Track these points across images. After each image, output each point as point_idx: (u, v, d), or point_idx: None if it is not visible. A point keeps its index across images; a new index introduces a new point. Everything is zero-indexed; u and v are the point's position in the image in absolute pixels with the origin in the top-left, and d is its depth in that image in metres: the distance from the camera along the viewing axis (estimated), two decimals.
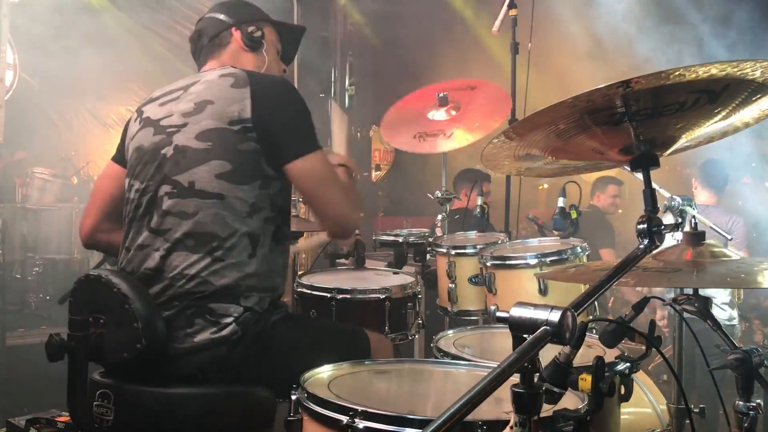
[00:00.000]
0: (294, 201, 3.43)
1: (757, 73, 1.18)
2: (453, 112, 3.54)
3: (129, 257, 2.07)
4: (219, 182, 2.00)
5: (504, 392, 1.05)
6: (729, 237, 2.69)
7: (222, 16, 2.31)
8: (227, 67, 2.18)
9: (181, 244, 1.99)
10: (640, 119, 1.27)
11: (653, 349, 1.51)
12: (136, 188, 2.12)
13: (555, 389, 1.22)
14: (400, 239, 3.56)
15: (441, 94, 3.57)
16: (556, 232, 2.97)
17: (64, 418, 2.72)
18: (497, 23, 4.00)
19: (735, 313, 4.41)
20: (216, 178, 2.00)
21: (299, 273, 3.20)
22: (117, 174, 2.29)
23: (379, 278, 3.02)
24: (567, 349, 1.25)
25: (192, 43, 2.36)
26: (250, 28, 2.31)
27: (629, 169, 1.41)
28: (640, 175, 1.38)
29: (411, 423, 1.30)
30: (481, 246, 2.96)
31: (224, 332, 1.95)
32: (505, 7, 3.95)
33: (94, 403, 1.97)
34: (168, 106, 2.14)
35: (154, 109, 2.18)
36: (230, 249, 1.98)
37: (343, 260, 3.52)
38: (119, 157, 2.30)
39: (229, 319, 1.96)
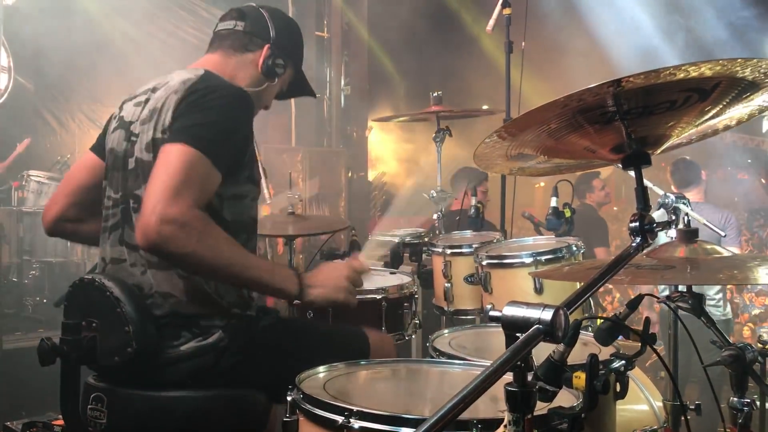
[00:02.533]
0: (290, 198, 3.43)
1: (747, 72, 1.18)
2: None
3: (106, 269, 2.05)
4: None
5: (500, 390, 1.05)
6: (723, 233, 2.70)
7: (270, 27, 2.22)
8: (195, 70, 2.09)
9: (149, 261, 1.96)
10: (632, 118, 1.27)
11: (648, 346, 1.51)
12: (109, 196, 2.08)
13: (549, 387, 1.22)
14: (397, 239, 3.56)
15: (435, 94, 3.59)
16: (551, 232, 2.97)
17: (61, 421, 2.72)
18: (491, 22, 4.01)
19: (729, 309, 4.43)
20: None
21: None
22: (92, 164, 2.22)
23: (376, 278, 3.02)
24: (561, 347, 1.25)
25: (227, 17, 2.24)
26: (279, 60, 2.22)
27: (621, 167, 1.42)
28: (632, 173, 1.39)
29: (406, 423, 1.31)
30: (477, 245, 2.97)
31: (210, 340, 1.94)
32: (499, 6, 3.95)
33: (88, 406, 1.97)
34: (138, 108, 2.08)
35: (129, 109, 2.12)
36: None
37: (339, 260, 3.52)
38: (97, 148, 2.24)
39: (215, 329, 1.95)
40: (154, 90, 2.08)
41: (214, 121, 1.90)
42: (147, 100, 2.06)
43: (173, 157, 1.80)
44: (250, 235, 2.08)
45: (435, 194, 3.63)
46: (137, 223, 1.81)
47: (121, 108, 2.17)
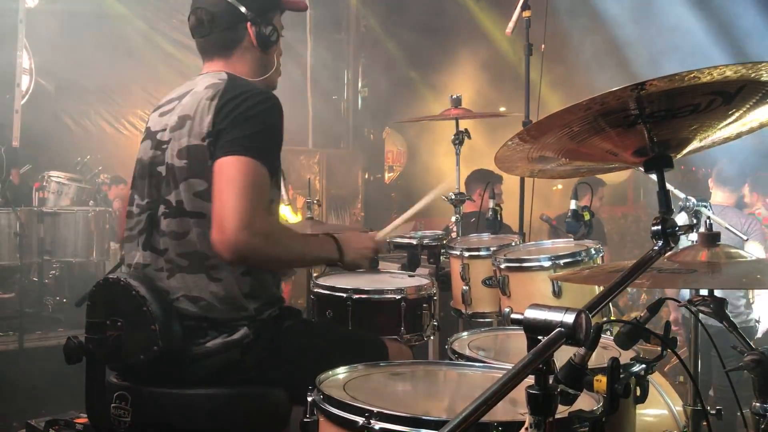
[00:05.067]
0: (309, 203, 3.45)
1: None
2: None
3: (129, 273, 2.08)
4: (197, 201, 1.98)
5: (519, 394, 1.05)
6: (745, 237, 2.68)
7: (237, 4, 2.12)
8: (217, 74, 2.11)
9: (177, 265, 1.99)
10: (654, 121, 1.27)
11: (669, 350, 1.50)
12: (137, 203, 2.11)
13: (570, 390, 1.22)
14: (414, 241, 3.56)
15: (454, 96, 3.59)
16: (570, 235, 2.96)
17: (83, 419, 2.75)
18: (511, 25, 3.99)
19: (752, 314, 4.38)
20: (194, 197, 1.98)
21: (315, 274, 3.21)
22: None
23: (394, 280, 3.02)
24: (582, 350, 1.25)
25: (198, 26, 2.17)
26: (268, 29, 2.17)
27: (643, 170, 1.41)
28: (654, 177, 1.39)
29: (427, 424, 1.31)
30: (495, 248, 2.96)
31: (236, 336, 1.97)
32: (518, 9, 3.94)
33: (112, 405, 1.99)
34: (165, 118, 2.11)
35: (155, 119, 2.16)
36: (224, 267, 1.98)
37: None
38: None
39: (240, 325, 1.98)
40: (180, 98, 2.11)
41: (261, 129, 1.98)
42: (173, 109, 2.10)
43: (236, 170, 1.90)
44: None
45: (453, 196, 3.63)
46: (217, 236, 1.89)
47: (148, 119, 2.22)
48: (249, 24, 2.15)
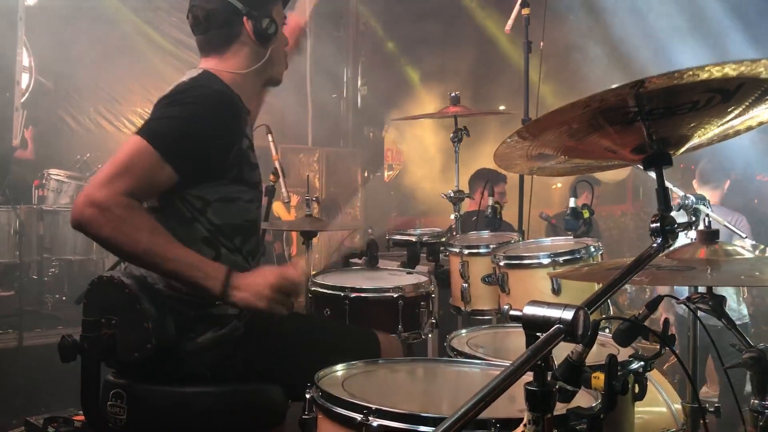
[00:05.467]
0: (308, 200, 3.45)
1: None
2: None
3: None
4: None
5: (518, 390, 1.06)
6: (744, 235, 2.68)
7: (235, 0, 2.08)
8: (195, 71, 2.10)
9: None
10: (653, 119, 1.27)
11: (667, 348, 1.51)
12: None
13: (568, 387, 1.22)
14: (414, 239, 3.56)
15: (453, 94, 3.58)
16: (569, 232, 2.96)
17: (81, 417, 2.75)
18: (510, 22, 4.00)
19: (745, 310, 4.40)
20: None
21: (313, 272, 3.21)
22: None
23: (392, 278, 3.03)
24: (580, 347, 1.25)
25: (195, 24, 2.15)
26: (265, 22, 2.12)
27: (642, 168, 1.41)
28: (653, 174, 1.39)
29: (425, 421, 1.31)
30: (494, 245, 2.97)
31: (225, 330, 1.98)
32: (517, 6, 3.94)
33: (108, 403, 1.99)
34: None
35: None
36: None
37: (356, 260, 3.54)
38: None
39: (230, 318, 1.99)
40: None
41: (176, 117, 1.93)
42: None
43: (124, 146, 1.85)
44: (246, 238, 2.09)
45: (452, 194, 3.63)
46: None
47: None
48: (245, 18, 2.11)
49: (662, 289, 3.57)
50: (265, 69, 2.19)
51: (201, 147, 1.95)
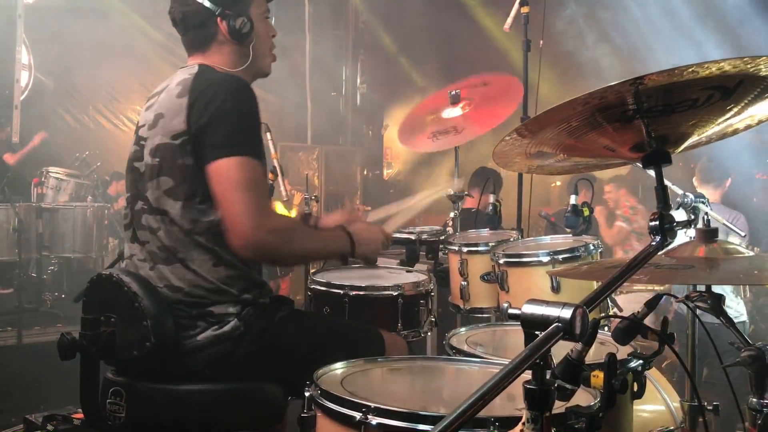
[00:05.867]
0: (307, 198, 3.45)
1: None
2: (467, 109, 3.53)
3: (125, 264, 2.12)
4: (165, 199, 2.01)
5: (517, 389, 1.05)
6: (743, 233, 2.68)
7: (205, 1, 2.11)
8: (190, 68, 2.11)
9: (158, 257, 2.03)
10: (652, 116, 1.26)
11: (666, 346, 1.51)
12: (126, 197, 2.17)
13: (567, 386, 1.22)
14: (413, 237, 3.56)
15: (453, 92, 3.57)
16: (568, 230, 2.96)
17: (80, 415, 2.75)
18: (509, 20, 3.99)
19: (743, 309, 4.41)
20: (164, 195, 2.01)
21: (312, 270, 3.21)
22: None
23: (392, 276, 3.02)
24: (579, 345, 1.25)
25: (175, 26, 2.20)
26: (239, 21, 2.14)
27: (641, 166, 1.41)
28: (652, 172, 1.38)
29: (424, 420, 1.31)
30: (493, 243, 2.96)
31: (226, 328, 1.98)
32: (516, 5, 3.93)
33: (107, 400, 1.99)
34: (147, 113, 2.13)
35: (142, 114, 2.18)
36: (194, 260, 2.00)
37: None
38: None
39: (230, 317, 1.99)
40: (159, 94, 2.14)
41: (243, 122, 1.99)
42: (152, 105, 2.12)
43: (236, 171, 1.92)
44: None
45: (452, 192, 3.62)
46: (235, 240, 1.94)
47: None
48: (219, 19, 2.13)
49: None
50: (251, 64, 2.22)
51: (259, 132, 2.07)
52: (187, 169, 1.97)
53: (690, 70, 1.13)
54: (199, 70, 2.08)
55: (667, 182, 1.39)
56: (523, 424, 1.05)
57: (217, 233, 1.99)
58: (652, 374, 2.36)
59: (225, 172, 1.93)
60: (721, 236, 1.75)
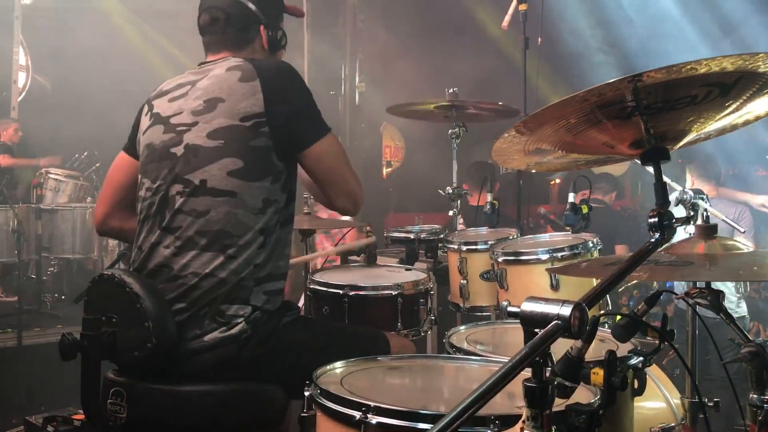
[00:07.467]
0: (306, 198, 3.44)
1: None
2: None
3: (143, 256, 2.08)
4: (231, 180, 2.00)
5: (517, 387, 1.05)
6: (742, 230, 2.67)
7: (252, 6, 2.22)
8: (231, 59, 2.15)
9: (192, 242, 2.00)
10: (651, 113, 1.26)
11: (666, 343, 1.50)
12: (147, 187, 2.12)
13: (567, 383, 1.22)
14: (412, 236, 3.56)
15: (451, 90, 3.57)
16: (567, 228, 2.96)
17: (81, 416, 2.74)
18: (507, 18, 3.99)
19: (744, 306, 4.41)
20: (228, 176, 2.00)
21: (312, 270, 3.21)
22: (127, 164, 2.30)
23: (391, 275, 3.02)
24: (579, 343, 1.25)
25: (211, 25, 2.23)
26: (279, 33, 2.29)
27: (640, 162, 1.41)
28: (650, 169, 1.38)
29: (424, 418, 1.31)
30: (492, 242, 2.96)
31: (233, 330, 1.96)
32: (514, 2, 3.94)
33: (108, 401, 1.98)
34: (177, 102, 2.13)
35: (163, 105, 2.17)
36: (243, 246, 1.99)
37: (354, 257, 3.53)
38: (130, 147, 2.30)
39: (239, 319, 1.97)
40: (192, 84, 2.13)
41: (312, 101, 2.12)
42: (186, 94, 2.12)
43: (335, 148, 2.16)
44: (293, 200, 2.22)
45: (451, 191, 3.62)
46: (350, 206, 2.21)
47: (150, 105, 2.22)
48: (262, 27, 2.25)
49: None
50: None
51: None
52: (261, 150, 2.02)
53: (689, 67, 1.12)
54: (246, 60, 2.13)
55: (666, 179, 1.39)
56: (524, 422, 1.05)
57: (284, 217, 2.09)
58: (652, 371, 2.36)
59: (327, 149, 2.12)
60: (726, 234, 1.75)
